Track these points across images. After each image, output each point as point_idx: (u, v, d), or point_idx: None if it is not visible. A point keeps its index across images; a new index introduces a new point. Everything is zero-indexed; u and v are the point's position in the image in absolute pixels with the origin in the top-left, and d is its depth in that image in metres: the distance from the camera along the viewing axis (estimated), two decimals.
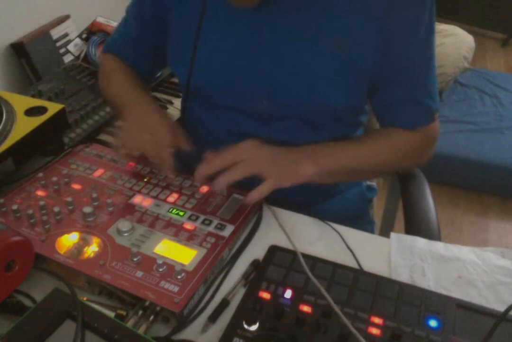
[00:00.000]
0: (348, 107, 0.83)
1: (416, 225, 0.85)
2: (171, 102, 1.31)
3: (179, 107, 1.15)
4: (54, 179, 0.76)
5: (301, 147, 0.80)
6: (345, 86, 0.78)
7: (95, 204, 0.73)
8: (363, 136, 0.93)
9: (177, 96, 1.34)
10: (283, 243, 0.71)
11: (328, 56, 0.74)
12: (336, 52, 0.73)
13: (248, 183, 0.85)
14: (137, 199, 0.75)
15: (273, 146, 0.77)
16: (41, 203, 0.71)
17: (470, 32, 2.31)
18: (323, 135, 0.86)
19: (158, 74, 1.35)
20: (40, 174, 0.78)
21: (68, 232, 0.68)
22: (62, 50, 1.35)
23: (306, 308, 0.60)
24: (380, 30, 0.72)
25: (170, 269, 0.63)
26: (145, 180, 0.79)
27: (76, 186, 0.77)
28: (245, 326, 0.57)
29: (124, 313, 0.58)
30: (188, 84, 0.83)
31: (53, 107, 0.84)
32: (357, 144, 0.84)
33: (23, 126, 0.80)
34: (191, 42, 0.79)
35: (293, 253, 0.68)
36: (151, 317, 0.58)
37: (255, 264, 0.68)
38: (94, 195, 0.73)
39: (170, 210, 0.73)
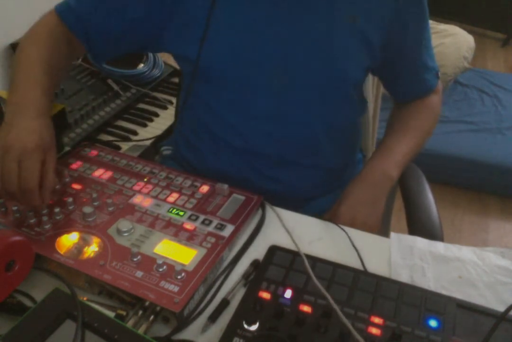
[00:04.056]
0: (359, 83, 0.88)
1: (417, 220, 0.88)
2: (171, 102, 1.31)
3: (178, 101, 1.11)
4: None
5: (370, 173, 0.85)
6: (360, 58, 0.81)
7: (95, 204, 0.73)
8: (403, 121, 0.95)
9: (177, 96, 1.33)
10: (283, 242, 0.71)
11: (342, 28, 0.77)
12: (350, 25, 0.77)
13: (248, 183, 0.85)
14: (137, 199, 0.75)
15: (353, 196, 0.83)
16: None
17: (470, 32, 2.31)
18: (335, 116, 0.88)
19: (158, 74, 1.35)
20: None
21: (68, 232, 0.68)
22: None
23: (306, 308, 0.60)
24: (392, 7, 0.77)
25: (170, 269, 0.63)
26: (145, 180, 0.79)
27: (76, 186, 0.77)
28: (245, 326, 0.57)
29: (124, 313, 0.58)
30: (197, 62, 0.79)
31: (53, 107, 0.84)
32: (405, 131, 0.91)
33: None
34: (203, 18, 0.76)
35: (293, 253, 0.68)
36: (151, 317, 0.58)
37: (255, 264, 0.68)
38: (94, 195, 0.73)
39: (170, 210, 0.73)
